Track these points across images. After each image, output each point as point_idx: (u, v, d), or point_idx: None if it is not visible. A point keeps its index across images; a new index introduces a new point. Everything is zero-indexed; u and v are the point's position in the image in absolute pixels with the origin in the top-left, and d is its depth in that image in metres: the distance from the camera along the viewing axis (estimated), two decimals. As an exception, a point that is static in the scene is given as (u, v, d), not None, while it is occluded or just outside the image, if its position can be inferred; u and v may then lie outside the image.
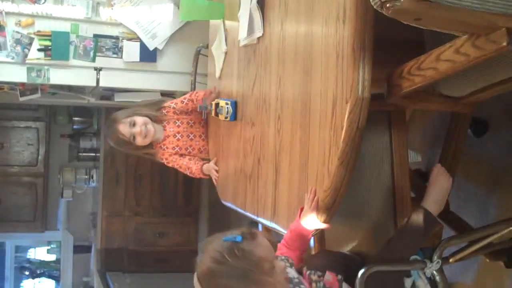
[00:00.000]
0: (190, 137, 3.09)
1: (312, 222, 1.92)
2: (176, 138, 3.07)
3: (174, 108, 3.09)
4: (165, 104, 3.13)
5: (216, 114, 2.82)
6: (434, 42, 1.65)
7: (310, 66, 1.97)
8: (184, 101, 3.10)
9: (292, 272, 1.93)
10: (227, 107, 2.72)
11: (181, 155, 3.09)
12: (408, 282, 1.89)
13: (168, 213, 6.16)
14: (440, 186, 2.02)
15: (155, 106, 3.14)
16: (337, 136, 1.75)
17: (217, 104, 2.81)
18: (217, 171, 2.96)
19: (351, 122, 1.71)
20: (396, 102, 1.86)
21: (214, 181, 3.00)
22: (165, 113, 3.09)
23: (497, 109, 2.53)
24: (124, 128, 2.96)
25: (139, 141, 2.99)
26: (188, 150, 3.09)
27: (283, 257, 1.95)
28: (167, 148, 3.08)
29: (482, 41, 1.43)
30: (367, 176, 2.25)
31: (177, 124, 3.08)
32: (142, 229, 6.11)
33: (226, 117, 2.72)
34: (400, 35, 1.78)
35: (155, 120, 3.04)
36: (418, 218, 1.93)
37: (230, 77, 2.85)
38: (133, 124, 2.97)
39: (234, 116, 2.70)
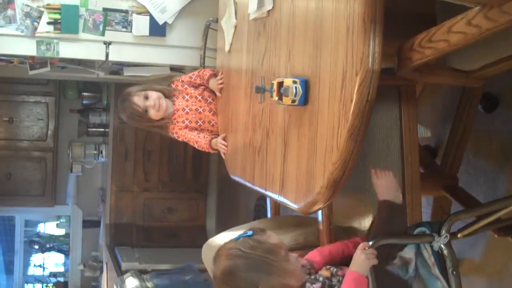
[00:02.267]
0: (199, 111, 3.09)
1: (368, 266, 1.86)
2: (185, 111, 3.07)
3: (182, 81, 3.12)
4: (174, 79, 3.16)
5: (279, 97, 2.07)
6: (446, 15, 1.64)
7: (320, 39, 1.95)
8: (192, 77, 3.13)
9: (303, 261, 1.96)
10: (295, 87, 2.01)
11: (191, 128, 3.10)
12: (410, 252, 1.89)
13: (177, 188, 6.19)
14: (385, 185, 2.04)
15: (165, 83, 3.18)
16: (347, 109, 1.74)
17: (280, 84, 2.07)
18: (225, 146, 2.96)
19: (361, 95, 1.69)
20: (407, 75, 1.85)
21: (222, 155, 3.01)
22: (174, 87, 3.11)
23: (507, 85, 2.52)
24: (138, 100, 3.01)
25: (153, 114, 3.02)
26: (198, 123, 3.10)
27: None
28: (177, 122, 3.09)
29: (494, 13, 1.41)
30: (376, 151, 2.24)
31: (185, 99, 3.09)
32: (150, 204, 6.14)
33: (293, 101, 2.01)
34: (412, 8, 1.77)
35: (167, 96, 3.07)
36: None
37: (240, 51, 2.83)
38: (147, 97, 3.01)
39: (304, 99, 2.01)
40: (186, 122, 3.08)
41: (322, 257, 2.03)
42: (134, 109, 3.01)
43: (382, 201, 2.01)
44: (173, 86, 3.13)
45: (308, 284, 1.85)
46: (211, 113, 3.11)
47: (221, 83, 3.03)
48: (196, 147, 3.12)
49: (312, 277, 1.89)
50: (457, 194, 2.43)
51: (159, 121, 3.08)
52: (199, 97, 3.10)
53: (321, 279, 1.85)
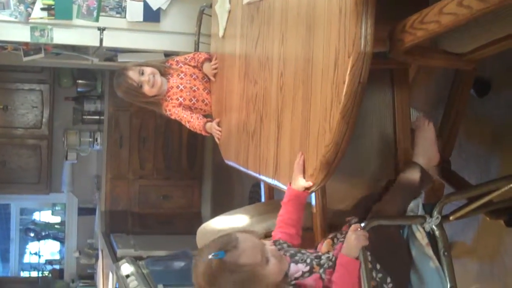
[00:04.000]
0: (193, 89, 3.12)
1: (301, 182, 1.95)
2: (179, 89, 3.09)
3: (177, 61, 3.16)
4: (169, 58, 3.22)
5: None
6: (438, -4, 1.65)
7: (313, 22, 1.96)
8: (187, 58, 3.16)
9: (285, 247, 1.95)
10: None
11: (185, 107, 3.12)
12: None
13: (172, 175, 6.20)
14: (424, 137, 2.04)
15: (160, 61, 3.22)
16: (339, 91, 1.75)
17: None
18: (220, 131, 2.97)
19: (353, 77, 1.71)
20: (399, 57, 1.86)
21: (216, 140, 3.02)
22: (169, 65, 3.14)
23: (500, 69, 2.53)
24: (134, 75, 3.04)
25: (147, 89, 3.04)
26: (192, 101, 3.11)
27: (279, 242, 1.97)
28: (171, 99, 3.11)
29: (485, -7, 1.42)
30: (369, 134, 2.25)
31: (180, 77, 3.12)
32: (146, 191, 6.15)
33: None
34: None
35: (162, 73, 3.09)
36: (412, 175, 1.94)
37: (234, 36, 2.84)
38: (142, 73, 3.04)
39: None
40: (180, 99, 3.09)
41: (291, 226, 2.03)
42: (129, 83, 3.04)
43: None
44: (168, 64, 3.16)
45: (292, 265, 1.84)
46: (206, 91, 3.13)
47: (215, 68, 3.04)
48: (188, 126, 3.14)
49: (297, 256, 1.89)
50: (450, 178, 2.44)
51: (153, 97, 3.10)
52: (194, 76, 3.13)
53: (308, 260, 1.85)
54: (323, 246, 1.95)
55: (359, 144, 2.24)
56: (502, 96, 2.54)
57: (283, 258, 1.83)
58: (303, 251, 1.93)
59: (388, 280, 1.85)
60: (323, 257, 1.88)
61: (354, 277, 1.78)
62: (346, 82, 1.72)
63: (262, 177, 2.41)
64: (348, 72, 1.71)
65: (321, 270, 1.83)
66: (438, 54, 1.94)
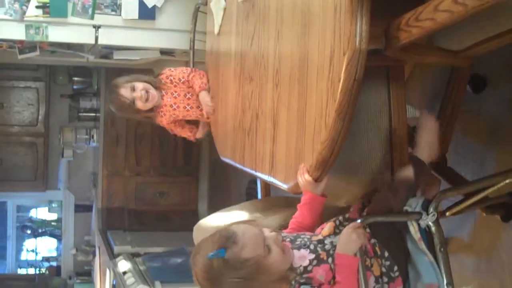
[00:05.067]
0: (186, 108, 3.11)
1: (313, 185, 1.94)
2: (173, 108, 3.10)
3: (171, 79, 3.10)
4: (163, 71, 3.16)
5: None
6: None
7: (308, 19, 1.96)
8: (181, 79, 3.10)
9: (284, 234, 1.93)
10: None
11: (179, 122, 3.15)
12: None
13: (169, 172, 6.20)
14: (428, 132, 2.03)
15: (153, 74, 3.20)
16: (335, 88, 1.75)
17: None
18: (211, 110, 2.97)
19: (349, 74, 1.71)
20: (394, 54, 1.86)
21: (204, 114, 3.01)
22: (164, 82, 3.10)
23: (496, 65, 2.53)
24: (125, 92, 3.01)
25: (140, 105, 3.03)
26: (186, 109, 3.12)
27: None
28: (164, 115, 3.12)
29: (480, -10, 1.42)
30: (365, 131, 2.25)
31: (174, 96, 3.10)
32: (142, 188, 6.15)
33: None
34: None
35: (155, 86, 3.06)
36: (409, 170, 1.94)
37: (229, 34, 2.84)
38: (133, 89, 3.01)
39: None
40: (173, 116, 3.12)
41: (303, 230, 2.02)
42: (121, 101, 3.02)
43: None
44: (162, 80, 3.11)
45: (295, 251, 1.80)
46: (199, 109, 3.12)
47: (212, 109, 3.00)
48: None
49: (298, 241, 1.85)
50: (446, 174, 2.44)
51: (147, 112, 3.09)
52: (188, 95, 3.11)
53: (312, 246, 1.83)
54: (326, 228, 1.93)
55: (355, 141, 2.24)
56: (498, 92, 2.54)
57: (285, 245, 1.79)
58: (302, 235, 1.90)
59: (395, 268, 1.85)
60: (326, 241, 1.85)
61: (356, 274, 1.78)
62: (341, 80, 1.72)
63: (258, 174, 2.41)
64: (343, 69, 1.71)
65: (330, 260, 1.80)
66: (434, 51, 1.94)
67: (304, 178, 1.93)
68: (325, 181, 1.95)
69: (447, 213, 2.26)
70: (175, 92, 3.10)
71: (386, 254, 1.85)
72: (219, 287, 1.71)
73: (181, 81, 3.09)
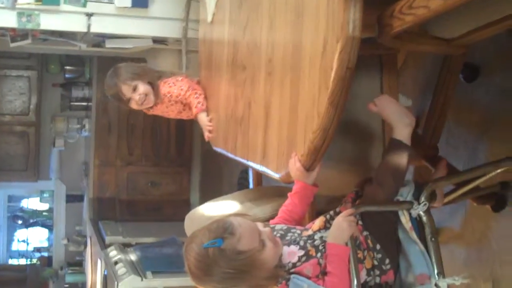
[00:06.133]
0: (180, 113, 3.16)
1: (305, 174, 1.93)
2: (165, 112, 3.16)
3: (169, 97, 3.07)
4: (161, 86, 3.08)
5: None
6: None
7: (301, 7, 1.95)
8: (178, 97, 3.05)
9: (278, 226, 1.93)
10: None
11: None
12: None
13: (161, 162, 6.19)
14: (387, 106, 1.98)
15: (157, 74, 3.16)
16: (327, 76, 1.74)
17: None
18: (210, 131, 2.94)
19: (341, 62, 1.69)
20: (387, 43, 1.85)
21: (205, 137, 2.99)
22: (161, 96, 3.06)
23: (489, 55, 2.53)
24: (126, 90, 2.98)
25: (134, 105, 3.03)
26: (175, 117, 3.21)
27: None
28: (155, 111, 3.16)
29: (473, -23, 1.41)
30: (357, 120, 2.25)
31: (167, 107, 3.11)
32: (134, 178, 6.14)
33: None
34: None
35: (155, 86, 3.04)
36: (399, 158, 1.91)
37: (222, 22, 2.82)
38: (135, 89, 2.98)
39: None
40: (165, 115, 3.18)
41: (292, 220, 2.01)
42: (118, 94, 3.00)
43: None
44: (161, 94, 3.06)
45: (285, 247, 1.81)
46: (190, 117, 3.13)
47: (211, 130, 2.95)
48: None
49: (288, 237, 1.86)
50: (438, 164, 2.44)
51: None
52: (181, 108, 3.12)
53: (301, 242, 1.84)
54: (316, 222, 1.93)
55: (348, 130, 2.23)
56: (492, 81, 2.54)
57: (277, 241, 1.80)
58: (292, 229, 1.90)
59: (387, 261, 1.85)
60: (316, 237, 1.85)
61: (347, 263, 1.77)
62: (334, 68, 1.71)
63: (250, 164, 2.41)
64: (336, 57, 1.70)
65: (319, 255, 1.80)
66: (427, 39, 1.93)
67: (295, 167, 1.93)
68: (317, 170, 1.95)
69: (439, 203, 2.27)
70: (168, 108, 3.11)
71: (378, 247, 1.85)
72: (211, 277, 1.71)
73: (179, 98, 3.06)
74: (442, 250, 1.88)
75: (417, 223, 1.88)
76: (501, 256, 2.50)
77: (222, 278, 1.70)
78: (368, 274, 1.82)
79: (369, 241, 1.85)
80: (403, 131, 1.92)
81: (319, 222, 1.92)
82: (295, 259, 1.80)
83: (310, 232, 1.89)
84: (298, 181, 1.98)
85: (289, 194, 2.03)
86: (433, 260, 1.84)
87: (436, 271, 1.83)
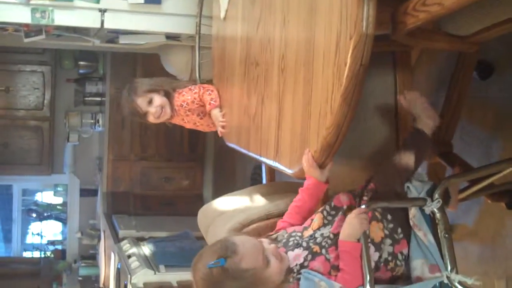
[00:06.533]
0: (196, 124, 3.13)
1: (318, 171, 1.94)
2: (183, 121, 3.13)
3: (185, 106, 3.03)
4: (175, 99, 3.04)
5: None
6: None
7: (314, 3, 1.95)
8: (194, 101, 3.01)
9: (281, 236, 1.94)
10: None
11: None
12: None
13: (174, 158, 6.20)
14: (417, 103, 2.03)
15: (173, 85, 3.12)
16: (341, 73, 1.74)
17: None
18: (223, 126, 2.93)
19: (355, 59, 1.69)
20: (401, 40, 1.85)
21: (218, 132, 2.98)
22: (176, 108, 3.04)
23: (503, 52, 2.51)
24: (141, 102, 2.97)
25: (151, 119, 3.02)
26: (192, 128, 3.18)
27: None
28: (173, 121, 3.15)
29: (488, -25, 1.41)
30: (371, 117, 2.25)
31: (183, 119, 3.10)
32: (147, 173, 6.16)
33: None
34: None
35: (172, 96, 3.02)
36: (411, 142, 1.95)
37: (235, 18, 2.82)
38: (150, 102, 2.97)
39: None
40: (183, 124, 3.16)
41: (299, 215, 2.02)
42: (134, 109, 2.99)
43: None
44: (175, 105, 3.03)
45: (289, 253, 1.83)
46: (208, 126, 3.12)
47: (223, 126, 2.93)
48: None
49: (290, 242, 1.87)
50: (452, 161, 2.43)
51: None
52: (198, 117, 3.09)
53: (304, 244, 1.84)
54: (315, 220, 1.93)
55: (361, 127, 2.23)
56: (505, 78, 2.53)
57: (283, 257, 1.81)
58: (293, 233, 1.91)
59: (399, 230, 1.86)
60: (317, 235, 1.86)
61: (359, 259, 1.78)
62: (347, 64, 1.70)
63: (263, 159, 2.41)
64: (349, 54, 1.70)
65: (324, 251, 1.81)
66: (441, 36, 1.93)
67: (309, 163, 1.93)
68: (329, 167, 1.95)
69: (452, 200, 2.26)
70: (186, 117, 3.09)
71: (389, 217, 1.86)
72: None
73: (194, 103, 3.03)
74: (455, 247, 1.87)
75: (430, 219, 1.88)
76: (514, 253, 2.49)
77: None
78: (377, 249, 1.83)
79: (376, 213, 1.86)
80: (425, 122, 2.00)
81: (317, 220, 1.93)
82: (301, 260, 1.82)
83: (310, 231, 1.91)
84: (310, 177, 1.99)
85: (300, 190, 2.04)
86: (446, 256, 1.84)
87: (449, 267, 1.83)
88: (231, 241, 1.75)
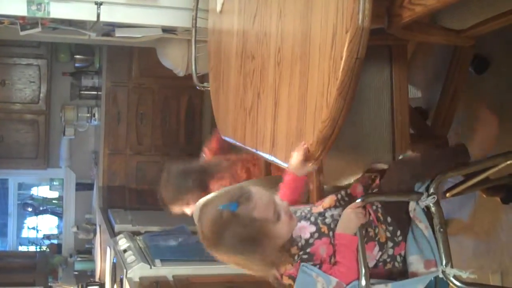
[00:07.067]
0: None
1: (301, 165, 1.92)
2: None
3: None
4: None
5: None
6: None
7: (311, -3, 1.95)
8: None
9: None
10: None
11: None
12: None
13: (170, 152, 6.19)
14: (487, 129, 2.04)
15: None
16: (336, 66, 1.74)
17: None
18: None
19: (351, 52, 1.69)
20: (397, 33, 1.84)
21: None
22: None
23: (499, 46, 2.51)
24: (177, 209, 3.04)
25: (187, 212, 3.01)
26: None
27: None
28: None
29: (484, -32, 1.41)
30: (366, 110, 2.25)
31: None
32: (143, 167, 6.15)
33: None
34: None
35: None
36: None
37: (231, 12, 2.82)
38: (187, 204, 2.99)
39: None
40: None
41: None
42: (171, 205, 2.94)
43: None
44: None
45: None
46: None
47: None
48: None
49: (298, 213, 1.87)
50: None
51: None
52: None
53: (312, 218, 1.84)
54: (327, 200, 1.92)
55: (356, 120, 2.23)
56: (502, 73, 2.53)
57: (293, 216, 1.80)
58: (302, 208, 1.91)
59: (398, 233, 1.87)
60: (326, 214, 1.86)
61: (356, 252, 1.79)
62: (343, 58, 1.70)
63: (259, 153, 2.41)
64: (345, 47, 1.69)
65: (331, 234, 1.81)
66: (437, 30, 1.92)
67: (297, 160, 1.91)
68: (311, 165, 1.92)
69: (447, 194, 2.26)
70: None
71: (389, 219, 1.87)
72: (223, 241, 1.70)
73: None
74: (450, 241, 1.88)
75: (425, 213, 1.88)
76: (509, 248, 2.50)
77: (233, 244, 1.70)
78: (381, 249, 1.83)
79: (379, 214, 1.86)
80: (475, 148, 2.04)
81: (329, 200, 1.92)
82: (306, 235, 1.81)
83: (320, 209, 1.89)
84: (289, 173, 1.98)
85: (280, 185, 2.03)
86: (441, 251, 1.84)
87: (444, 261, 1.83)
88: (246, 189, 1.74)
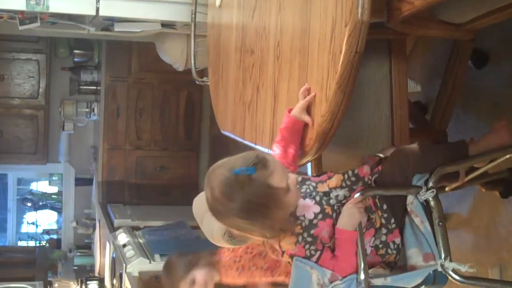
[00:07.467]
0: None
1: (302, 110, 1.91)
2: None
3: (239, 259, 2.60)
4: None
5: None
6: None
7: (310, -10, 1.94)
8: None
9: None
10: None
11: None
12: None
13: (169, 146, 6.20)
14: (496, 140, 2.03)
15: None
16: (336, 60, 1.74)
17: None
18: None
19: (350, 46, 1.69)
20: (396, 27, 1.84)
21: None
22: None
23: (498, 40, 2.51)
24: (184, 286, 2.78)
25: None
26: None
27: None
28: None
29: (484, -39, 1.40)
30: (365, 104, 2.25)
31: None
32: (143, 162, 6.15)
33: None
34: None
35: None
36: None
37: (231, 6, 2.81)
38: (193, 283, 2.68)
39: None
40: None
41: (287, 146, 1.98)
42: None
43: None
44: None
45: (300, 200, 1.81)
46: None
47: None
48: None
49: (303, 189, 1.86)
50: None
51: None
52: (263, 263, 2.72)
53: (317, 197, 1.83)
54: (333, 179, 1.90)
55: (356, 114, 2.23)
56: (501, 67, 2.53)
57: (298, 191, 1.80)
58: (307, 181, 1.90)
59: (392, 220, 1.87)
60: (332, 194, 1.85)
61: (355, 246, 1.79)
62: (342, 52, 1.70)
63: (259, 147, 2.41)
64: (345, 41, 1.69)
65: (334, 215, 1.81)
66: (436, 24, 1.92)
67: (301, 103, 1.91)
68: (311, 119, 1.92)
69: (447, 188, 2.27)
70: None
71: (385, 206, 1.87)
72: (232, 203, 1.68)
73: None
74: (449, 235, 1.88)
75: (424, 207, 1.88)
76: (508, 242, 2.50)
77: (242, 207, 1.67)
78: (374, 234, 1.85)
79: (376, 200, 1.86)
80: (476, 151, 2.00)
81: (336, 179, 1.90)
82: (310, 215, 1.80)
83: (326, 187, 1.89)
84: (288, 115, 1.95)
85: (279, 129, 2.00)
86: (440, 244, 1.84)
87: (443, 255, 1.83)
88: (263, 155, 1.72)
